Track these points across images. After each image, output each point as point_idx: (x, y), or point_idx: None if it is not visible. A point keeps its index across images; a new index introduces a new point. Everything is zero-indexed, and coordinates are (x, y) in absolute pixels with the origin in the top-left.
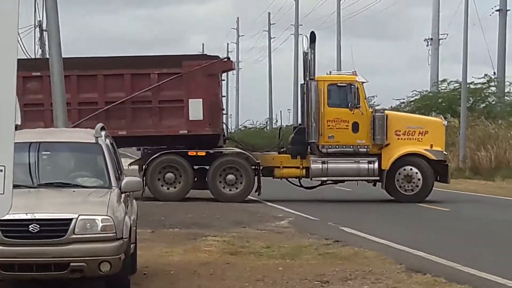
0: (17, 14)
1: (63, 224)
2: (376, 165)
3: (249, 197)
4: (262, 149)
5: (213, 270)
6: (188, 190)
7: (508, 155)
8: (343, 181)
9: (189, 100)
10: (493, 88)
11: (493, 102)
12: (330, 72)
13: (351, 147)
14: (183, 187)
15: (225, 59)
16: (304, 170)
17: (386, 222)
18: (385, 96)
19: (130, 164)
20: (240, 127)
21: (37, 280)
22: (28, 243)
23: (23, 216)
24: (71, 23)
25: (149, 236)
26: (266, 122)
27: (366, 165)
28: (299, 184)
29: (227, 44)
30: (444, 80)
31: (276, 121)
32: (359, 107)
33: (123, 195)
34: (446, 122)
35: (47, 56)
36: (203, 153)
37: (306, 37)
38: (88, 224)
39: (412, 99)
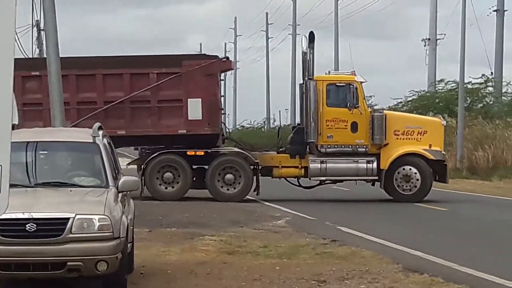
0: (14, 13)
1: (60, 224)
2: (375, 165)
3: (246, 196)
4: (261, 149)
5: (210, 270)
6: (187, 190)
7: (505, 155)
8: (341, 180)
9: (188, 99)
10: (491, 88)
11: (491, 102)
12: (329, 72)
13: (350, 147)
14: (181, 187)
15: (224, 59)
16: (302, 170)
17: (383, 222)
18: (382, 96)
19: (128, 164)
20: (237, 126)
21: (34, 279)
22: (25, 242)
23: (20, 216)
24: (69, 23)
25: (146, 236)
26: (264, 122)
27: (365, 165)
28: (297, 184)
29: (225, 44)
30: (441, 80)
31: (274, 120)
32: (358, 107)
33: (120, 195)
34: (445, 122)
35: (45, 56)
36: (202, 153)
37: (305, 37)
38: (85, 224)
39: (410, 99)
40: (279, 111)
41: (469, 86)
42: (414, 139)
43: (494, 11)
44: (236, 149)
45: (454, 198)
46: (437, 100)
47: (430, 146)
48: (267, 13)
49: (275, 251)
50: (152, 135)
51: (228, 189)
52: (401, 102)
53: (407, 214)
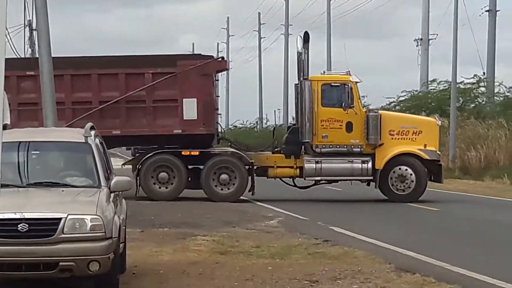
0: (5, 13)
1: (52, 224)
2: (370, 164)
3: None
4: (256, 149)
5: (203, 270)
6: (182, 190)
7: (497, 155)
8: (337, 181)
9: (183, 99)
10: (483, 89)
11: (483, 103)
12: (324, 72)
13: (345, 147)
14: (176, 187)
15: (220, 59)
16: (298, 170)
17: (376, 222)
18: (374, 96)
19: (124, 164)
20: (230, 126)
21: (26, 279)
22: (17, 242)
23: (12, 216)
24: (62, 22)
25: (138, 236)
26: (256, 122)
27: (359, 165)
28: (292, 184)
29: (217, 44)
30: (434, 80)
31: (267, 120)
32: (353, 107)
33: (112, 195)
34: (440, 122)
35: (37, 56)
36: (197, 153)
37: (300, 37)
38: (77, 224)
39: (402, 99)
40: (274, 111)
41: (462, 86)
42: (409, 139)
43: (486, 11)
44: (231, 149)
45: (446, 198)
46: (429, 100)
47: (425, 146)
48: (259, 13)
49: (267, 251)
50: (147, 135)
51: (223, 189)
52: (393, 102)
53: (399, 214)
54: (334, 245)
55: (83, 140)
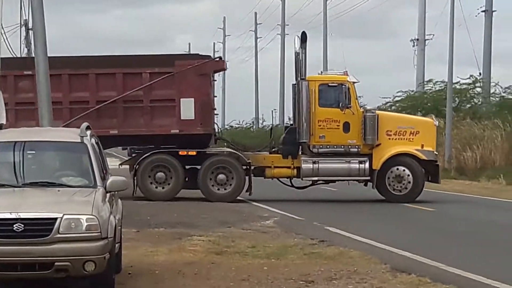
0: (1, 12)
1: (48, 224)
2: (367, 165)
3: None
4: (253, 149)
5: (198, 270)
6: (179, 190)
7: (493, 155)
8: (334, 181)
9: (181, 99)
10: (479, 89)
11: (479, 103)
12: (321, 72)
13: (342, 147)
14: (173, 187)
15: (217, 59)
16: (295, 170)
17: (371, 222)
18: (371, 96)
19: (121, 164)
20: (226, 127)
21: (22, 279)
22: (13, 242)
23: (8, 216)
24: (59, 22)
25: (134, 236)
26: (253, 122)
27: (357, 165)
28: (290, 184)
29: (214, 43)
30: (430, 80)
31: (263, 121)
32: (350, 107)
33: (108, 195)
34: (437, 122)
35: (33, 55)
36: (194, 153)
37: (298, 37)
38: (73, 224)
39: (398, 99)
40: (272, 111)
41: (458, 86)
42: (407, 139)
43: (482, 11)
44: (229, 149)
45: (442, 199)
46: (425, 101)
47: (422, 146)
48: (256, 13)
49: (263, 251)
50: (145, 134)
51: (220, 190)
52: (389, 102)
53: (395, 214)
54: (330, 245)
55: (79, 140)
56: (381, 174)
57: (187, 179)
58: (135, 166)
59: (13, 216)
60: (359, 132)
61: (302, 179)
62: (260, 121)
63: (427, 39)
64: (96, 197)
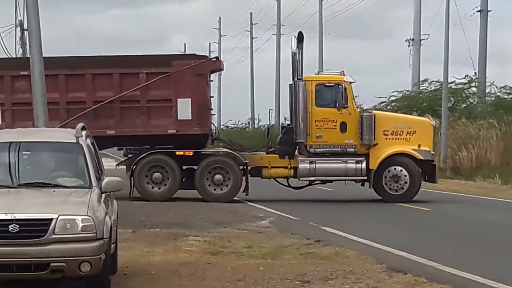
0: None
1: (43, 224)
2: (364, 165)
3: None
4: (250, 149)
5: (194, 270)
6: (176, 190)
7: (488, 155)
8: (331, 181)
9: (178, 99)
10: (474, 89)
11: (474, 103)
12: (318, 72)
13: (339, 147)
14: (170, 187)
15: (214, 59)
16: (292, 170)
17: (367, 222)
18: (366, 96)
19: (118, 164)
20: (222, 127)
21: (17, 280)
22: (8, 243)
23: (3, 216)
24: (54, 23)
25: (130, 236)
26: (248, 122)
27: (354, 165)
28: (287, 184)
29: (209, 44)
30: (425, 80)
31: (259, 121)
32: (347, 107)
33: (103, 195)
34: (434, 122)
35: (28, 56)
36: (191, 153)
37: (294, 37)
38: (68, 224)
39: (393, 98)
40: (269, 110)
41: (453, 86)
42: (403, 139)
43: (477, 11)
44: (225, 150)
45: (438, 198)
46: (421, 101)
47: (419, 146)
48: (251, 13)
49: (259, 252)
50: (142, 135)
51: (217, 190)
52: (384, 102)
53: (390, 214)
54: (326, 245)
55: (74, 141)
56: (378, 174)
57: (184, 180)
58: (132, 166)
59: (8, 217)
60: (356, 132)
61: (299, 179)
62: (256, 121)
63: (423, 39)
64: (92, 197)
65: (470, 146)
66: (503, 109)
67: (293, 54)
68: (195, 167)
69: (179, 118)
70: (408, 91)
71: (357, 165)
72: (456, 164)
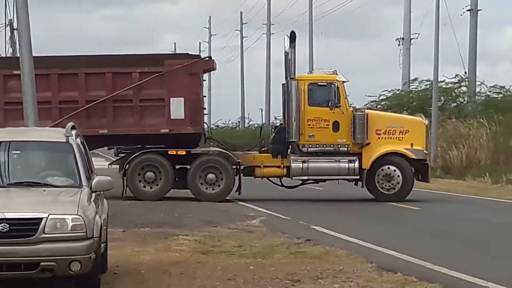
0: None
1: (33, 224)
2: (357, 164)
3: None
4: (243, 149)
5: (184, 269)
6: (169, 189)
7: (478, 154)
8: (324, 180)
9: (171, 99)
10: (464, 88)
11: (464, 102)
12: (311, 72)
13: (332, 146)
14: (163, 186)
15: (207, 58)
16: (285, 170)
17: (357, 221)
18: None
19: (110, 164)
20: (212, 126)
21: (7, 279)
22: None
23: None
24: (44, 22)
25: (120, 236)
26: (238, 122)
27: (346, 164)
28: (280, 184)
29: (199, 43)
30: (415, 79)
31: (250, 120)
32: (340, 106)
33: (93, 195)
34: (427, 121)
35: (18, 55)
36: (183, 152)
37: (287, 36)
38: (58, 224)
39: (383, 97)
40: (261, 110)
41: (443, 85)
42: (396, 138)
43: (467, 10)
44: (218, 149)
45: (428, 198)
46: (411, 100)
47: (412, 145)
48: (241, 13)
49: (249, 251)
50: (135, 134)
51: (209, 189)
52: (374, 101)
53: (381, 213)
54: (316, 245)
55: (64, 140)
56: (371, 173)
57: (176, 179)
58: (124, 166)
59: None
60: (348, 131)
61: (291, 179)
62: (247, 121)
63: (413, 38)
64: (82, 197)
65: (460, 145)
66: (493, 109)
67: (286, 54)
68: (188, 167)
69: (172, 118)
70: (398, 90)
71: (350, 164)
72: (446, 163)
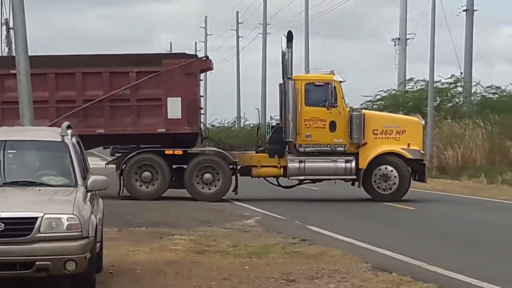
0: None
1: (29, 223)
2: (353, 164)
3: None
4: (240, 148)
5: (179, 269)
6: (166, 189)
7: (474, 154)
8: (321, 180)
9: (168, 98)
10: (460, 88)
11: (460, 102)
12: (308, 72)
13: (329, 146)
14: (160, 186)
15: (204, 58)
16: (281, 169)
17: (352, 221)
18: (352, 95)
19: (107, 163)
20: (208, 126)
21: (2, 279)
22: None
23: None
24: (40, 21)
25: (115, 235)
26: (234, 121)
27: (343, 164)
28: (276, 184)
29: (195, 43)
30: (411, 79)
31: (246, 120)
32: (337, 106)
33: (89, 194)
34: (423, 121)
35: (14, 54)
36: (180, 152)
37: (284, 36)
38: (54, 223)
39: (379, 97)
40: (258, 110)
41: (439, 85)
42: (393, 138)
43: (463, 10)
44: (215, 149)
45: (424, 198)
46: (407, 100)
47: (408, 145)
48: (237, 12)
49: (244, 251)
50: (132, 133)
51: (206, 189)
52: (370, 101)
53: (376, 213)
54: (311, 244)
55: (60, 139)
56: (368, 173)
57: (173, 179)
58: (121, 165)
59: None
60: (345, 131)
61: (288, 178)
62: (242, 120)
63: (409, 39)
64: (77, 196)
65: (456, 145)
66: (489, 109)
67: (283, 54)
68: (185, 166)
69: (169, 117)
70: (394, 90)
71: (347, 164)
72: (442, 163)
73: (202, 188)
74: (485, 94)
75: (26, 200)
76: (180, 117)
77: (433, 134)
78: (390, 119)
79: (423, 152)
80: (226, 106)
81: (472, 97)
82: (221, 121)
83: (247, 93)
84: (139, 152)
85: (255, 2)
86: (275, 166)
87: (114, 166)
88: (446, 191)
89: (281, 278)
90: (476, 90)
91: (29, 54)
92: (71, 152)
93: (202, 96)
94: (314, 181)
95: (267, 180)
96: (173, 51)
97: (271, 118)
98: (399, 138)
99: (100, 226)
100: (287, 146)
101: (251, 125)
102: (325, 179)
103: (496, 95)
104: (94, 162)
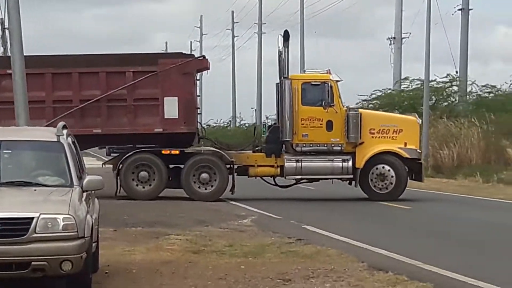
0: None
1: (24, 223)
2: (350, 163)
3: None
4: (236, 148)
5: (175, 269)
6: (163, 189)
7: (469, 153)
8: (317, 179)
9: (165, 98)
10: (455, 87)
11: (455, 101)
12: (304, 71)
13: (325, 145)
14: (157, 186)
15: (201, 58)
16: (278, 169)
17: (348, 221)
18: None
19: (104, 163)
20: (204, 125)
21: None
22: None
23: None
24: (36, 21)
25: (111, 235)
26: (230, 121)
27: (340, 164)
28: (273, 183)
29: (191, 42)
30: (406, 78)
31: (241, 119)
32: (333, 105)
33: (84, 194)
34: (420, 120)
35: (9, 54)
36: (177, 152)
37: (281, 35)
38: (50, 223)
39: (374, 96)
40: (255, 110)
41: (434, 84)
42: (390, 137)
43: (459, 10)
44: (212, 148)
45: (419, 197)
46: (402, 99)
47: (405, 144)
48: (233, 12)
49: (240, 250)
50: (128, 133)
51: (203, 189)
52: (365, 100)
53: (372, 213)
54: (307, 244)
55: (55, 139)
56: (364, 172)
57: (170, 178)
58: (118, 165)
59: None
60: (342, 131)
61: (285, 178)
62: (238, 120)
63: (404, 38)
64: (73, 196)
65: (451, 144)
66: (484, 108)
67: (279, 53)
68: (182, 166)
69: (165, 117)
70: (389, 89)
71: (343, 163)
72: (437, 162)
73: (199, 187)
74: (481, 93)
75: (22, 200)
76: (177, 117)
77: (429, 133)
78: (386, 118)
79: (420, 151)
80: (221, 106)
81: (467, 96)
82: (217, 121)
83: (243, 93)
84: (136, 152)
85: (251, 1)
86: (272, 166)
87: (110, 166)
88: (441, 190)
89: (277, 277)
90: (472, 89)
91: (25, 54)
92: (66, 152)
93: (199, 96)
94: (311, 180)
95: (264, 180)
96: (168, 51)
97: (267, 118)
98: (396, 137)
99: (96, 226)
100: (284, 146)
101: (247, 125)
102: (322, 179)
103: (491, 94)
104: (90, 162)
